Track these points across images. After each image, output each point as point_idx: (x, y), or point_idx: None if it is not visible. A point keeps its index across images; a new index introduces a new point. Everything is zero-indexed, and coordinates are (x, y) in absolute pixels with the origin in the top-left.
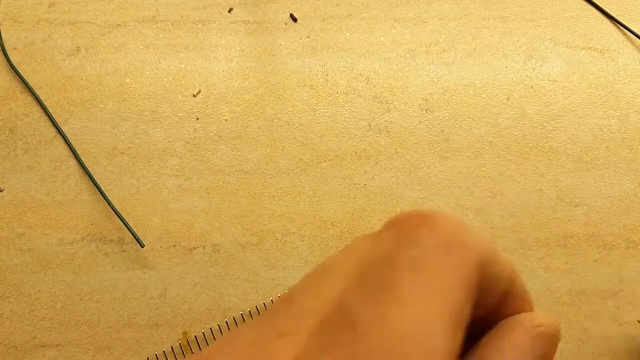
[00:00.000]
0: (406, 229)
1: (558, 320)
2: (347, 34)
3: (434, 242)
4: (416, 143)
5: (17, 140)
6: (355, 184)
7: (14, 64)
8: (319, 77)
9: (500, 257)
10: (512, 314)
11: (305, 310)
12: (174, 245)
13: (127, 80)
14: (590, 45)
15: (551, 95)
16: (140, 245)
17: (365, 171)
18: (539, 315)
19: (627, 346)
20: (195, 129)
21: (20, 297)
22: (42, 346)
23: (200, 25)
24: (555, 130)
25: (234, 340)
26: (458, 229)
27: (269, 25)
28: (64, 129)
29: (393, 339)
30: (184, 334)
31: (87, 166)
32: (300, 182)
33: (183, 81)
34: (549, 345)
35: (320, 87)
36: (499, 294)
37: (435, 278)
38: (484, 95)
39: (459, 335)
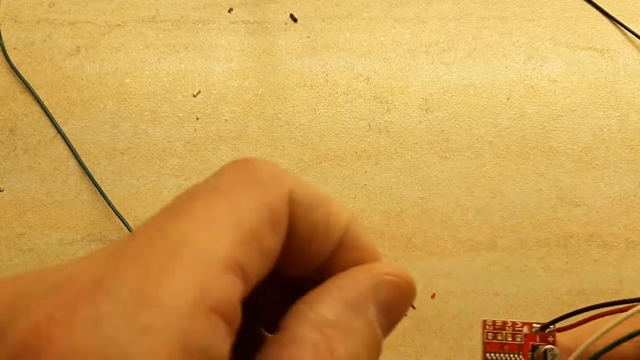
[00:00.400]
0: (226, 167)
1: (413, 277)
2: (347, 34)
3: (240, 174)
4: (416, 143)
5: (17, 140)
6: (355, 184)
7: (14, 64)
8: (319, 77)
9: (334, 206)
10: (354, 263)
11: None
12: None
13: (127, 80)
14: (590, 45)
15: (551, 95)
16: None
17: (365, 171)
18: (389, 265)
19: None
20: (195, 129)
21: None
22: None
23: (200, 25)
24: (555, 130)
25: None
26: (271, 169)
27: (269, 25)
28: (64, 129)
29: (168, 242)
30: None
31: (87, 166)
32: None
33: (183, 81)
34: (396, 295)
35: (320, 87)
36: (331, 243)
37: (229, 201)
38: (484, 95)
39: (254, 255)
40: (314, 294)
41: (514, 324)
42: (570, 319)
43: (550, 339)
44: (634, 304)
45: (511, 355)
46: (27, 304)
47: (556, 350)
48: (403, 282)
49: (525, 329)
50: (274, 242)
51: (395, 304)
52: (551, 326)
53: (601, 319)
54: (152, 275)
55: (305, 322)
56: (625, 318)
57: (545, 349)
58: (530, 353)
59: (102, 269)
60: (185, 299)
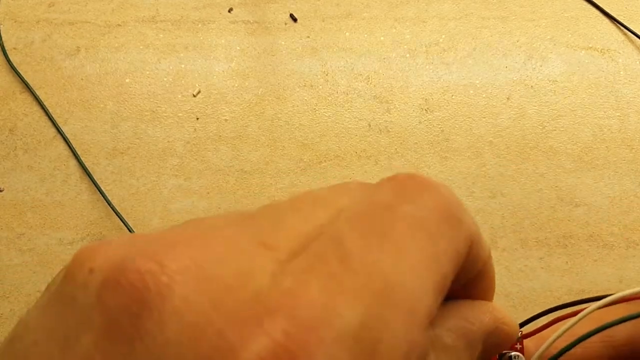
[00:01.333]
0: (409, 186)
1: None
2: (347, 34)
3: (436, 207)
4: (416, 143)
5: (17, 140)
6: None
7: (14, 64)
8: (319, 77)
9: (483, 239)
10: (477, 294)
11: (290, 227)
12: None
13: (127, 80)
14: (590, 45)
15: (551, 95)
16: None
17: (365, 171)
18: (505, 312)
19: None
20: (195, 129)
21: (20, 297)
22: None
23: (200, 25)
24: (555, 130)
25: (207, 230)
26: (458, 202)
27: (269, 25)
28: (64, 129)
29: (381, 283)
30: None
31: (87, 166)
32: (300, 182)
33: (183, 81)
34: (502, 343)
35: (320, 87)
36: (474, 272)
37: (433, 240)
38: (484, 95)
39: (439, 304)
40: (439, 314)
41: None
42: (536, 321)
43: (518, 345)
44: (591, 303)
45: None
46: (244, 328)
47: (522, 357)
48: (512, 334)
49: None
50: (449, 287)
51: (496, 350)
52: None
53: (564, 320)
54: (372, 317)
55: None
56: (580, 318)
57: (510, 356)
58: None
59: (316, 293)
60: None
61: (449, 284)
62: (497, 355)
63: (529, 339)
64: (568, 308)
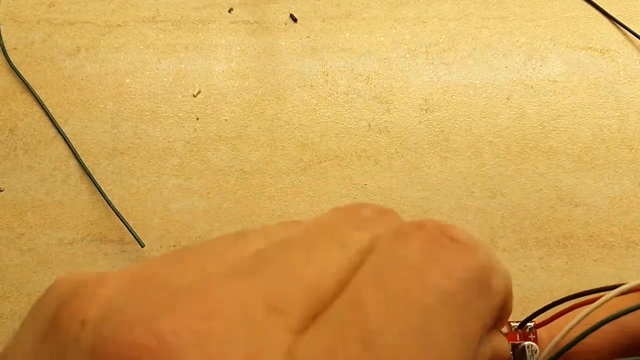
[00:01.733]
0: (441, 246)
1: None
2: (347, 34)
3: (470, 276)
4: (416, 143)
5: (17, 140)
6: (355, 184)
7: (14, 64)
8: (319, 77)
9: (511, 288)
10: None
11: (302, 279)
12: (174, 245)
13: (127, 80)
14: (590, 45)
15: (551, 95)
16: (141, 245)
17: (365, 171)
18: (500, 335)
19: None
20: (195, 129)
21: (20, 297)
22: None
23: (200, 25)
24: (555, 130)
25: (210, 282)
26: (492, 266)
27: (269, 25)
28: (64, 129)
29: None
30: None
31: (87, 166)
32: (300, 182)
33: (183, 81)
34: None
35: (320, 87)
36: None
37: (462, 321)
38: (484, 95)
39: None
40: None
41: None
42: (549, 311)
43: (532, 336)
44: (606, 292)
45: None
46: None
47: (535, 346)
48: (503, 352)
49: (505, 329)
50: None
51: None
52: (529, 322)
53: (577, 309)
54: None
55: None
56: (597, 306)
57: (524, 346)
58: (511, 352)
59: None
60: None
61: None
62: (511, 346)
63: (542, 328)
64: (580, 297)
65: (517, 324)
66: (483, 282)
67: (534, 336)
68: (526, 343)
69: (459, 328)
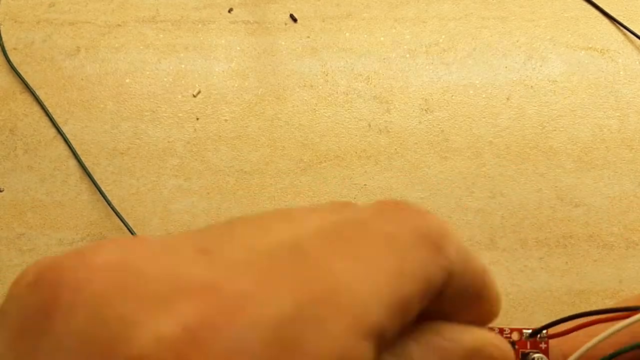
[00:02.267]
0: (392, 208)
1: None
2: (347, 34)
3: (414, 229)
4: (416, 143)
5: (17, 140)
6: (355, 184)
7: (14, 64)
8: (319, 77)
9: (474, 272)
10: (472, 322)
11: (240, 237)
12: None
13: (127, 81)
14: (590, 45)
15: (551, 95)
16: None
17: (365, 171)
18: (498, 336)
19: None
20: (195, 129)
21: None
22: None
23: (200, 25)
24: (555, 130)
25: (151, 238)
26: (443, 232)
27: (269, 25)
28: (64, 129)
29: (328, 284)
30: None
31: (87, 166)
32: (300, 182)
33: (183, 81)
34: None
35: (320, 87)
36: (462, 305)
37: (400, 258)
38: (484, 95)
39: (396, 325)
40: (413, 329)
41: (501, 330)
42: (565, 324)
43: (543, 345)
44: (635, 311)
45: None
46: (150, 312)
47: (545, 358)
48: (501, 356)
49: (515, 335)
50: (416, 312)
51: None
52: (543, 332)
53: (598, 325)
54: (304, 314)
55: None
56: (626, 326)
57: (534, 358)
58: None
59: (245, 284)
60: (329, 354)
61: (414, 308)
62: (520, 355)
63: (555, 339)
64: (599, 315)
65: (529, 332)
66: (431, 241)
67: (545, 346)
68: (536, 355)
69: (396, 264)
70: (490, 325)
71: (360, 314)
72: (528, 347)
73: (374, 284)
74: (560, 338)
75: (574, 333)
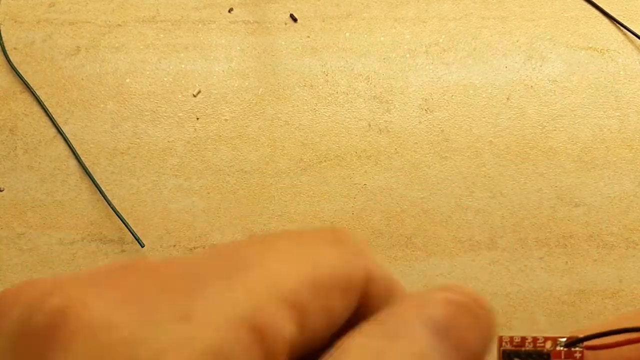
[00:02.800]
0: (331, 228)
1: (488, 304)
2: (347, 34)
3: (329, 235)
4: (416, 143)
5: (17, 140)
6: (355, 184)
7: (14, 64)
8: (319, 77)
9: (400, 286)
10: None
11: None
12: (174, 245)
13: (127, 80)
14: (590, 45)
15: (551, 95)
16: (141, 245)
17: (365, 171)
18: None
19: None
20: (195, 129)
21: None
22: None
23: (200, 25)
24: (555, 130)
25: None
26: (359, 243)
27: (269, 25)
28: (64, 129)
29: (242, 258)
30: None
31: (87, 166)
32: (300, 182)
33: (183, 81)
34: (453, 314)
35: (320, 87)
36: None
37: (312, 250)
38: (484, 95)
39: (317, 307)
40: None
41: (535, 339)
42: (609, 337)
43: (577, 355)
44: None
45: None
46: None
47: None
48: (461, 298)
49: (548, 345)
50: (339, 308)
51: (456, 324)
52: (582, 342)
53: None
54: (213, 281)
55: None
56: None
57: None
58: None
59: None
60: (232, 312)
61: (337, 301)
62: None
63: (591, 352)
64: None
65: (564, 340)
66: (353, 245)
67: (580, 355)
68: None
69: (314, 254)
70: (522, 334)
71: (273, 283)
72: (562, 356)
73: (287, 262)
74: (601, 351)
75: (620, 348)
